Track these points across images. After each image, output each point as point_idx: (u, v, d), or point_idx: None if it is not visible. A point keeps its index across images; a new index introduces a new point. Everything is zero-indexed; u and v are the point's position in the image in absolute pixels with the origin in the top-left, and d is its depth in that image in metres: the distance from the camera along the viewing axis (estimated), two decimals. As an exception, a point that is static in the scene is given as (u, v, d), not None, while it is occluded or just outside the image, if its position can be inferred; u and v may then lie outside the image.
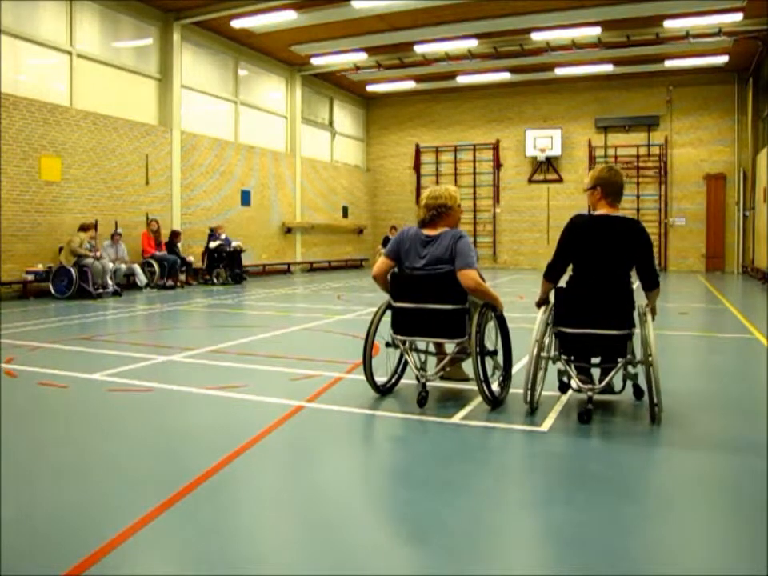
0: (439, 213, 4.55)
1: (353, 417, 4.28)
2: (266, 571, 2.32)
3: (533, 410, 4.24)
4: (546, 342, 4.32)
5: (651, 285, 4.25)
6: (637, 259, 4.18)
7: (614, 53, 17.45)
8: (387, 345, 4.68)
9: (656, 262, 4.31)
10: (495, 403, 4.38)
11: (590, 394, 4.12)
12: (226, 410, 4.45)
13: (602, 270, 4.17)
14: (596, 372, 4.45)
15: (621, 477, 3.22)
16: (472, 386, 4.77)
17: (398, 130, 23.67)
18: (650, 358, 3.99)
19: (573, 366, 4.21)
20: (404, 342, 4.59)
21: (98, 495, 2.95)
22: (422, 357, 4.88)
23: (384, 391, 4.75)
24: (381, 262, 4.72)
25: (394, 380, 4.87)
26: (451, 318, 4.37)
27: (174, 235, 14.71)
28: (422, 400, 4.33)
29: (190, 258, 14.85)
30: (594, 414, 4.18)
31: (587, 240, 4.21)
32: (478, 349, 4.25)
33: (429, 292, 4.40)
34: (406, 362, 4.73)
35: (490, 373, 4.43)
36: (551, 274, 4.38)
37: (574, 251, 4.27)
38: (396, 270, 4.68)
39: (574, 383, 4.23)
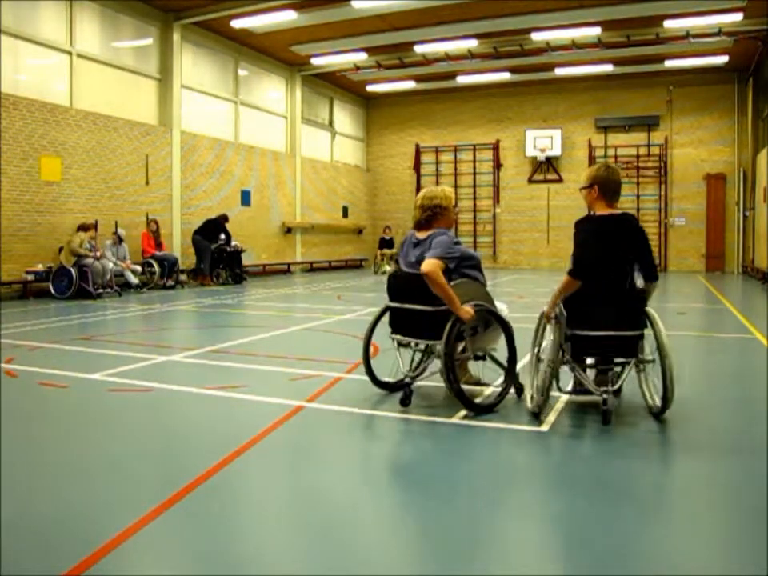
0: (434, 213, 4.50)
1: (353, 417, 4.28)
2: (265, 571, 2.32)
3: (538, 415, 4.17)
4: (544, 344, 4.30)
5: (653, 276, 4.21)
6: (638, 254, 4.14)
7: (614, 53, 17.43)
8: (400, 344, 4.68)
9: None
10: (478, 409, 4.27)
11: (605, 396, 3.96)
12: (226, 410, 4.45)
13: (612, 271, 4.09)
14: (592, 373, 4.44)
15: (621, 477, 3.22)
16: (474, 387, 4.77)
17: (398, 129, 23.66)
18: (665, 357, 3.97)
19: (583, 370, 4.19)
20: (398, 341, 4.61)
21: (97, 495, 2.95)
22: (416, 356, 4.81)
23: (396, 387, 4.66)
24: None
25: (410, 378, 4.46)
26: (435, 319, 4.24)
27: (224, 219, 15.21)
28: (404, 399, 4.33)
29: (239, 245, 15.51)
30: (594, 414, 4.18)
31: (601, 240, 4.07)
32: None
33: (413, 292, 4.36)
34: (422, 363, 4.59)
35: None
36: (583, 271, 4.05)
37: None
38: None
39: (590, 386, 4.11)
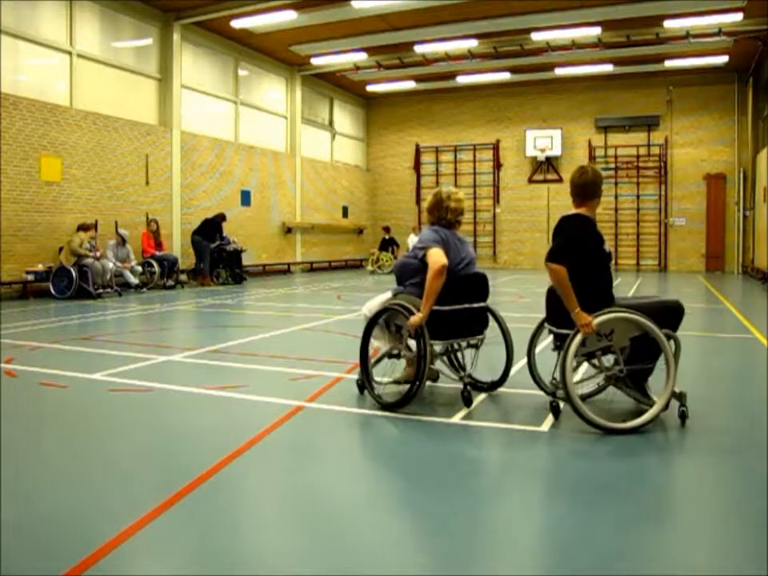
0: (462, 216, 4.73)
1: (353, 417, 4.28)
2: (265, 571, 2.32)
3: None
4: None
5: (547, 257, 4.03)
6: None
7: (614, 53, 17.44)
8: (390, 356, 4.66)
9: (565, 244, 4.03)
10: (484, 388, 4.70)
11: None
12: (226, 410, 4.45)
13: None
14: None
15: (621, 477, 3.22)
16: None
17: (397, 130, 23.66)
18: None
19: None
20: (450, 346, 4.62)
21: (97, 495, 2.95)
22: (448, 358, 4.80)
23: (401, 404, 4.29)
24: (443, 254, 4.35)
25: (415, 389, 4.25)
26: (486, 313, 4.66)
27: (222, 218, 15.20)
28: (469, 399, 4.35)
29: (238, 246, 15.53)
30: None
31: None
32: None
33: (481, 291, 4.62)
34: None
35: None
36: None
37: None
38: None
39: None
